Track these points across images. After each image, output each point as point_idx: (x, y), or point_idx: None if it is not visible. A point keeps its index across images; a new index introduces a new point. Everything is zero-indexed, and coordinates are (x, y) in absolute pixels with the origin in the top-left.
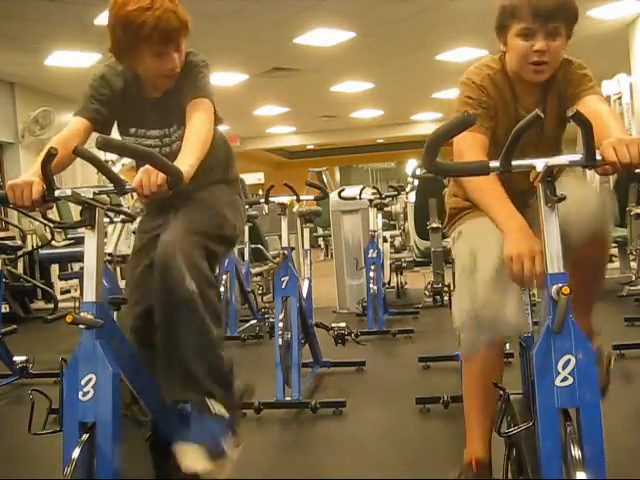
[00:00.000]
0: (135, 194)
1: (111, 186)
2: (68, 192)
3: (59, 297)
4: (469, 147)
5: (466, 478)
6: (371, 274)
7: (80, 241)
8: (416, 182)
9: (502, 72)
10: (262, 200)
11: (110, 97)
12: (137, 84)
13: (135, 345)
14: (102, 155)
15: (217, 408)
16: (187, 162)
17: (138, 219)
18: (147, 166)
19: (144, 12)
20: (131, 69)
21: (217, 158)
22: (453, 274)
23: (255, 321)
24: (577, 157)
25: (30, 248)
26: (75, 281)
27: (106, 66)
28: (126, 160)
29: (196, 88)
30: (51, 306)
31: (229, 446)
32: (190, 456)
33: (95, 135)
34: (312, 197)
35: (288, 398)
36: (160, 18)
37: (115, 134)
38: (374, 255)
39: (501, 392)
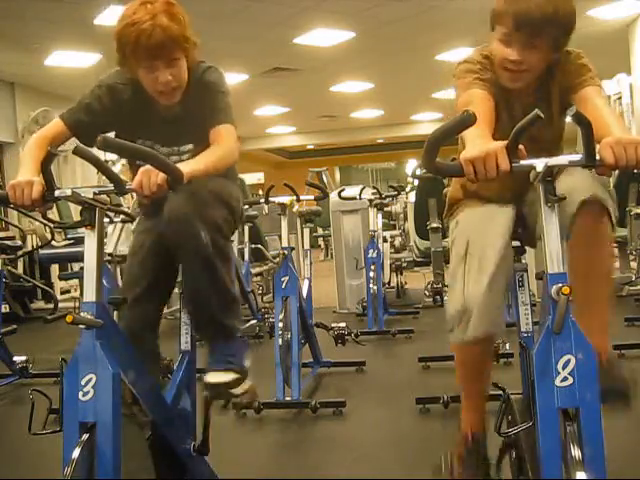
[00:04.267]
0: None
1: (111, 186)
2: (68, 192)
3: (59, 297)
4: (473, 101)
5: (462, 450)
6: (371, 274)
7: (80, 241)
8: (416, 182)
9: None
10: (262, 200)
11: (111, 108)
12: (147, 95)
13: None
14: (102, 155)
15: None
16: (193, 165)
17: (138, 219)
18: (147, 166)
19: (130, 27)
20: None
21: None
22: None
23: (255, 321)
24: (577, 157)
25: (30, 248)
26: (75, 281)
27: (117, 72)
28: (126, 160)
29: (219, 113)
30: (51, 306)
31: (248, 361)
32: (218, 376)
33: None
34: (312, 197)
35: (288, 398)
36: (143, 33)
37: None
38: (374, 255)
39: (501, 392)
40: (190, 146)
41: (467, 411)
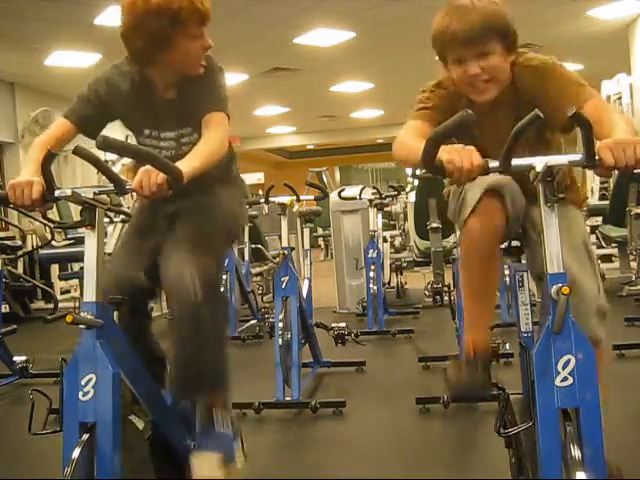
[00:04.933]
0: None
1: (111, 186)
2: (68, 192)
3: (59, 297)
4: (411, 135)
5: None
6: (371, 274)
7: (80, 241)
8: (416, 182)
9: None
10: (262, 200)
11: (112, 101)
12: (147, 85)
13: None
14: (102, 155)
15: (226, 417)
16: (190, 164)
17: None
18: (147, 166)
19: (173, 0)
20: (144, 67)
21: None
22: (453, 274)
23: (255, 321)
24: (577, 157)
25: (30, 248)
26: (75, 281)
27: (113, 67)
28: (126, 160)
29: (214, 101)
30: (51, 306)
31: (238, 453)
32: (206, 465)
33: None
34: (312, 197)
35: (288, 398)
36: (192, 0)
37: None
38: (374, 255)
39: (501, 392)
40: (196, 134)
41: (469, 331)
